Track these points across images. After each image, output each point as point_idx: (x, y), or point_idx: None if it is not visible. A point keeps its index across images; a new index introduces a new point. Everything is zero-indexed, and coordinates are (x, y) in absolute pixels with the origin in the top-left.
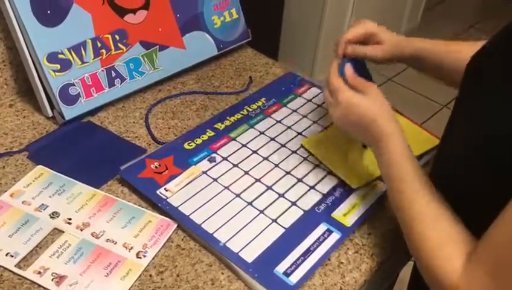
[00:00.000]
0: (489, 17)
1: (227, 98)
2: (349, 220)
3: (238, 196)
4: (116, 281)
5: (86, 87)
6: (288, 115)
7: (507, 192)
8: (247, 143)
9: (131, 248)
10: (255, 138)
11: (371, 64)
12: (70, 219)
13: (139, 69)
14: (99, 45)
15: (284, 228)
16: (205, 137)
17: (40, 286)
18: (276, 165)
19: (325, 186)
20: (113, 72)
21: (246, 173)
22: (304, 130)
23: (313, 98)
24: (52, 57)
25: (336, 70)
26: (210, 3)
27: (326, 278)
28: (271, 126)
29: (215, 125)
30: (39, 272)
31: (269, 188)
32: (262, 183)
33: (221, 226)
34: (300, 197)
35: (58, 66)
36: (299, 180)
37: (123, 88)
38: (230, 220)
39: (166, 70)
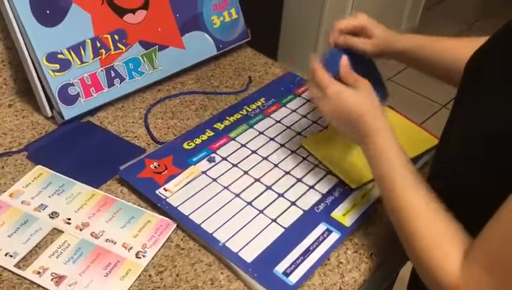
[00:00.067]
0: (489, 16)
1: (227, 98)
2: (348, 220)
3: (237, 195)
4: (115, 281)
5: (85, 87)
6: (288, 115)
7: (507, 192)
8: (246, 143)
9: (131, 247)
10: (254, 137)
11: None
12: (69, 219)
13: (139, 69)
14: (98, 44)
15: (284, 227)
16: (204, 137)
17: (39, 286)
18: (276, 165)
19: (325, 186)
20: (112, 72)
21: (246, 172)
22: (303, 130)
23: None
24: (52, 57)
25: (320, 65)
26: (209, 3)
27: (325, 278)
28: (270, 126)
29: (215, 125)
30: (38, 272)
31: (269, 188)
32: (261, 183)
33: (221, 226)
34: (299, 197)
35: (57, 66)
36: (299, 180)
37: (122, 88)
38: (229, 220)
39: (165, 70)
